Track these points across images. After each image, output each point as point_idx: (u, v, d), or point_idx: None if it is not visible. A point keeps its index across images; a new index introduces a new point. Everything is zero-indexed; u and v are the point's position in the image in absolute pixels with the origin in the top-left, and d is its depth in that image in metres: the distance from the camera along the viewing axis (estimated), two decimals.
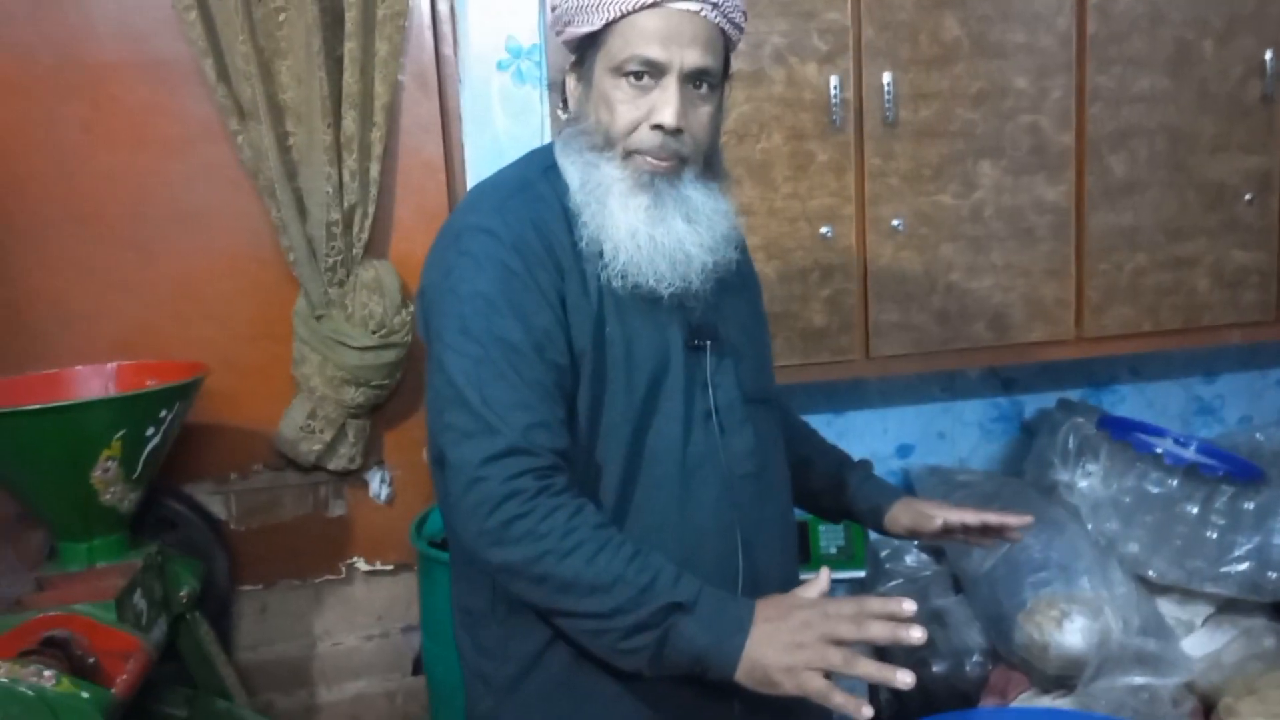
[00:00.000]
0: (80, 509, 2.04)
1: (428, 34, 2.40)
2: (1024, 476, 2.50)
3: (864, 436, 2.69)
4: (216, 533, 2.45)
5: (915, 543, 2.56)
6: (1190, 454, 2.47)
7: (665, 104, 1.24)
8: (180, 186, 2.36)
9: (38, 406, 1.97)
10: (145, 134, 2.33)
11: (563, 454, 1.20)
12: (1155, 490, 2.21)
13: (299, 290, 2.35)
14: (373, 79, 2.29)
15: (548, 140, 1.74)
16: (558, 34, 1.33)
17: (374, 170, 2.33)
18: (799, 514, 1.54)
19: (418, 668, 2.41)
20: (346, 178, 2.29)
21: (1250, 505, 2.16)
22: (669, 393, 1.31)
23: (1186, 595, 2.21)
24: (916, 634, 1.09)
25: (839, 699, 1.07)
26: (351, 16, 2.23)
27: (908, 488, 2.68)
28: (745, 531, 1.33)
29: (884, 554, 2.49)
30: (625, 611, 1.14)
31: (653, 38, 1.23)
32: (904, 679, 1.06)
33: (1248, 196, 2.31)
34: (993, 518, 1.48)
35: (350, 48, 2.25)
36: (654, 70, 1.24)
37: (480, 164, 2.38)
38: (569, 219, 1.28)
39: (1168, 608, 2.21)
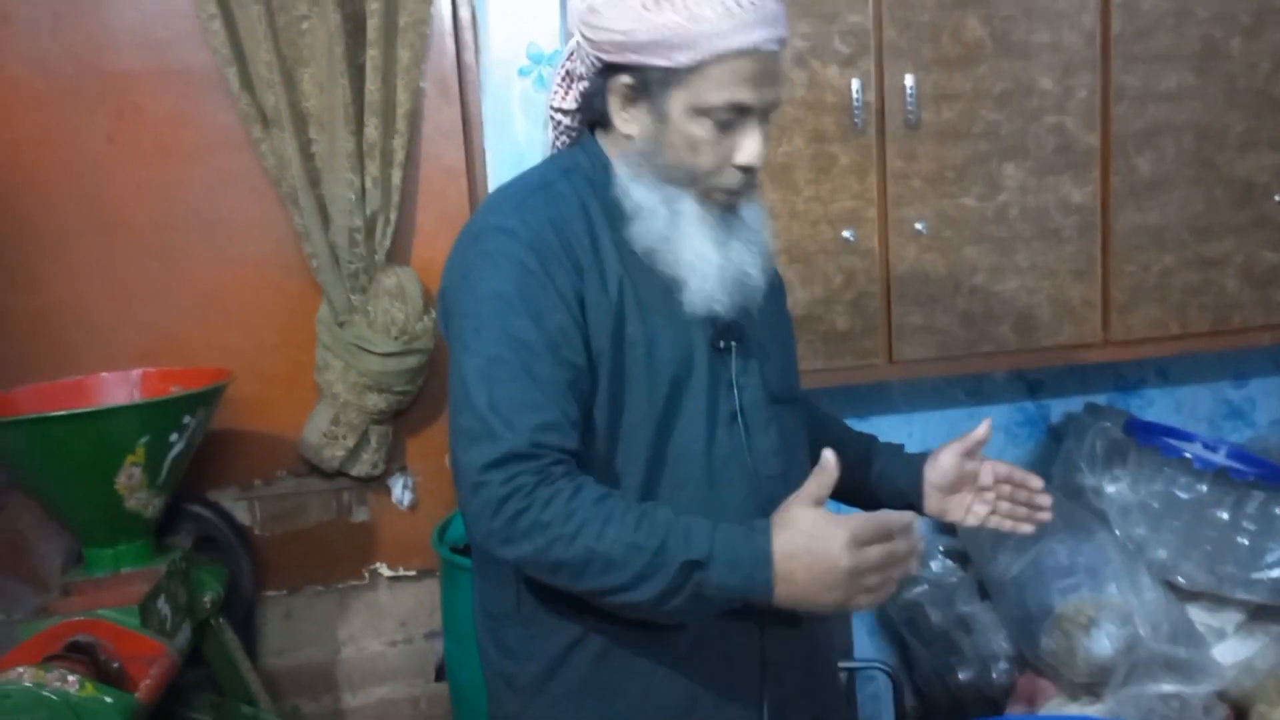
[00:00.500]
0: (105, 515, 2.06)
1: (449, 41, 2.41)
2: (1051, 481, 2.45)
3: (888, 440, 2.66)
4: (241, 538, 2.46)
5: (940, 548, 2.53)
6: (1220, 458, 2.44)
7: (752, 144, 1.25)
8: (203, 195, 2.37)
9: (64, 413, 1.99)
10: (168, 143, 2.35)
11: (573, 454, 1.19)
12: (1184, 495, 2.17)
13: (322, 297, 2.36)
14: (394, 86, 2.30)
15: None
16: (605, 53, 1.25)
17: (396, 177, 2.34)
18: None
19: (441, 673, 2.41)
20: (368, 185, 2.30)
21: None
22: (692, 393, 1.30)
23: (1217, 601, 2.18)
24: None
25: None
26: (373, 24, 2.25)
27: None
28: None
29: None
30: (646, 577, 1.14)
31: (745, 82, 1.22)
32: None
33: (1278, 197, 2.27)
34: (1032, 479, 1.48)
35: (372, 55, 2.26)
36: (741, 113, 1.24)
37: (501, 170, 2.39)
38: (589, 218, 1.28)
39: (1198, 614, 2.18)
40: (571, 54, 1.33)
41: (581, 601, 1.24)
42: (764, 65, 1.23)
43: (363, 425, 2.39)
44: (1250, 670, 2.10)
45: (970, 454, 1.49)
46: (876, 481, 1.58)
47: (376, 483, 2.52)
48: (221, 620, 2.27)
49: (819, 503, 1.18)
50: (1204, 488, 2.17)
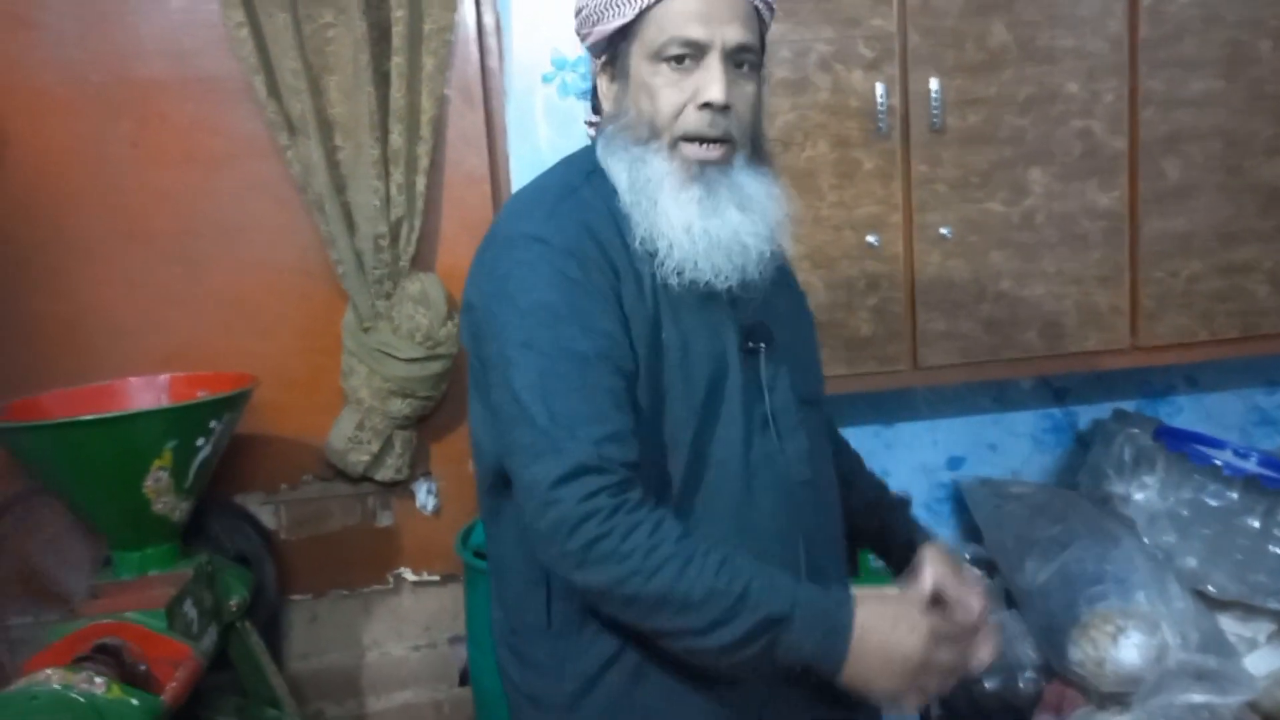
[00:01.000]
0: (132, 518, 2.08)
1: (473, 48, 2.42)
2: (1078, 489, 2.45)
3: (913, 448, 2.65)
4: (266, 542, 2.47)
5: (966, 556, 2.52)
6: (1251, 466, 2.40)
7: (711, 81, 1.21)
8: (229, 202, 2.39)
9: (92, 417, 2.00)
10: (193, 150, 2.37)
11: (635, 466, 1.15)
12: (1214, 503, 2.15)
13: (347, 303, 2.38)
14: (419, 93, 2.31)
15: None
16: (584, 38, 1.31)
17: (420, 184, 2.35)
18: None
19: (464, 678, 2.42)
20: (393, 191, 2.31)
21: None
22: (729, 397, 1.27)
23: (1248, 611, 2.15)
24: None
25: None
26: (398, 32, 2.26)
27: (958, 500, 2.65)
28: (807, 540, 1.30)
29: None
30: (722, 624, 1.11)
31: (692, 17, 1.21)
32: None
33: None
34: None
35: (397, 63, 2.27)
36: (696, 51, 1.22)
37: (524, 176, 2.38)
38: (618, 222, 1.25)
39: (1228, 624, 2.15)
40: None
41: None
42: (712, 2, 1.21)
43: (387, 430, 2.40)
44: None
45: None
46: (885, 524, 1.56)
47: (400, 487, 2.53)
48: (247, 624, 2.29)
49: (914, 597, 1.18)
50: (1234, 495, 2.14)
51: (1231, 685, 2.01)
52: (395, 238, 2.34)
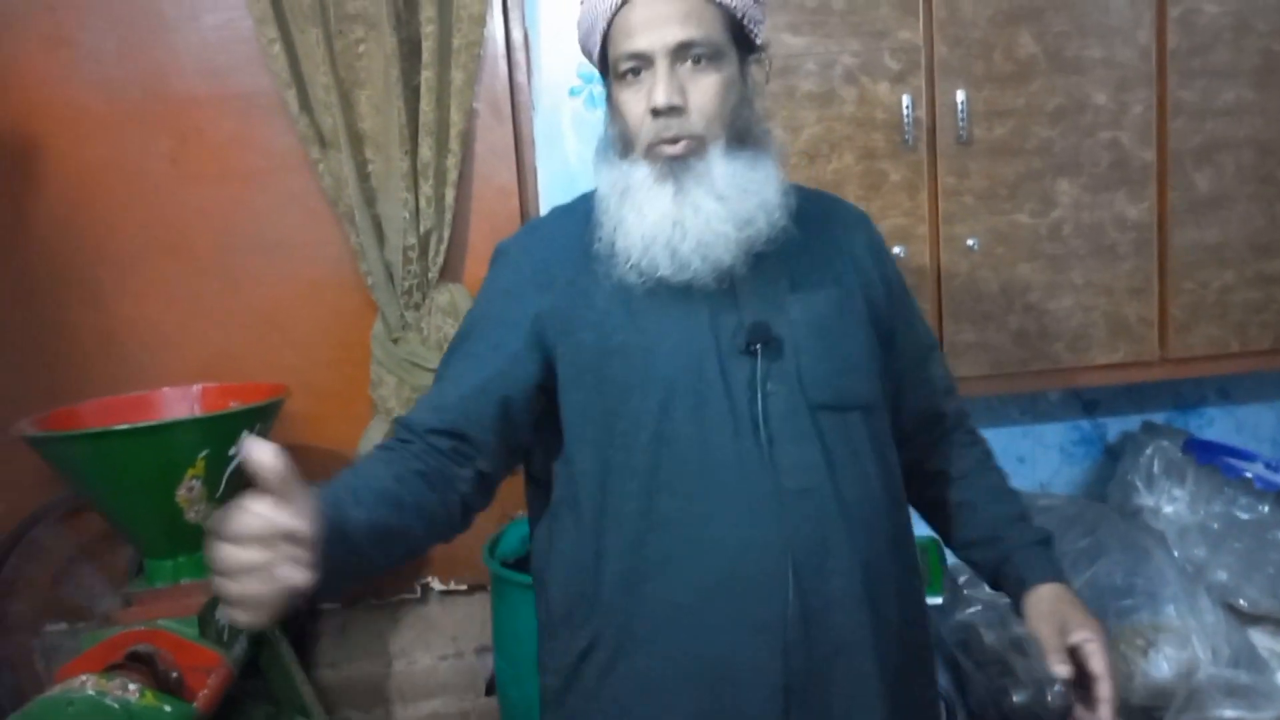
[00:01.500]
0: (166, 527, 2.10)
1: (502, 62, 2.44)
2: (1107, 501, 2.43)
3: None
4: None
5: None
6: None
7: (654, 87, 1.25)
8: (264, 216, 2.43)
9: (127, 426, 2.03)
10: (229, 166, 2.41)
11: (433, 430, 1.30)
12: (1245, 516, 2.13)
13: (376, 314, 2.40)
14: (448, 107, 2.34)
15: None
16: (593, 66, 1.38)
17: (449, 196, 2.37)
18: None
19: (491, 688, 2.42)
20: (423, 204, 2.34)
21: None
22: (700, 398, 1.26)
23: None
24: None
25: None
26: (428, 46, 2.28)
27: None
28: (799, 552, 1.24)
29: (962, 580, 2.44)
30: None
31: (633, 31, 1.25)
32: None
33: None
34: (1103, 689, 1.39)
35: (427, 77, 2.29)
36: (643, 61, 1.26)
37: (552, 188, 2.41)
38: (591, 234, 1.32)
39: (1261, 639, 2.13)
40: None
41: (591, 608, 1.25)
42: (653, 10, 1.24)
43: None
44: None
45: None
46: (998, 559, 1.50)
47: None
48: (277, 632, 2.31)
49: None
50: (1266, 509, 2.12)
51: (1263, 700, 1.98)
52: (424, 249, 2.36)
